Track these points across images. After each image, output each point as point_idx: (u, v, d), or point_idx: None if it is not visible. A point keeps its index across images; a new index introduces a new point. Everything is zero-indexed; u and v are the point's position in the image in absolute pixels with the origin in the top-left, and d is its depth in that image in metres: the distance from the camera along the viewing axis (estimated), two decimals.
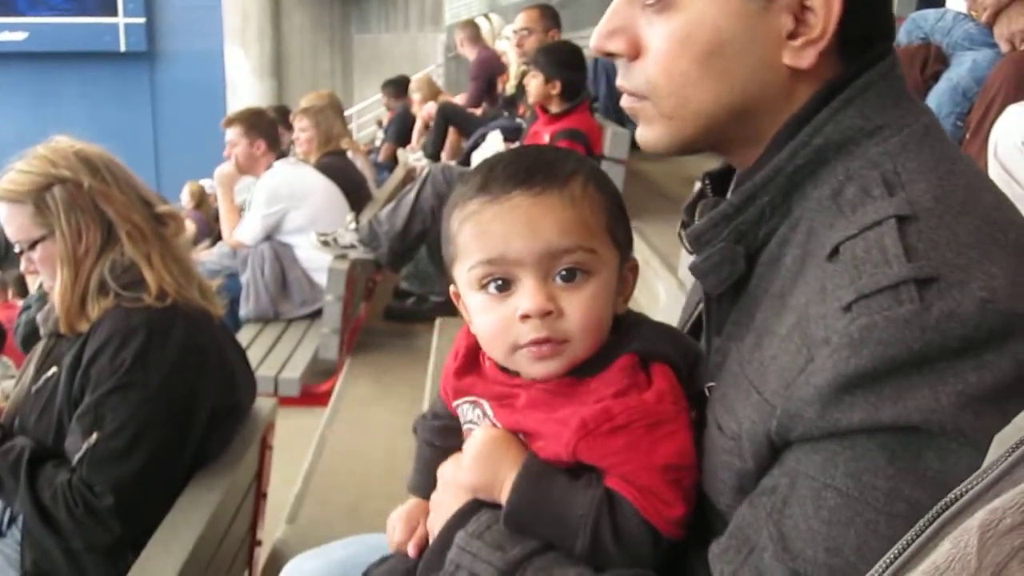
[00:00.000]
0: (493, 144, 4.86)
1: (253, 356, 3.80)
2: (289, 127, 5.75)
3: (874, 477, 0.71)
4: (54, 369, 1.84)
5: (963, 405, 0.69)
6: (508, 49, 6.61)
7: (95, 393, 1.74)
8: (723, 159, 0.98)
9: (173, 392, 1.78)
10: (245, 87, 14.76)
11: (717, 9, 0.84)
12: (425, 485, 1.09)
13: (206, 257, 4.75)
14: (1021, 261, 0.73)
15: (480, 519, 0.96)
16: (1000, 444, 0.61)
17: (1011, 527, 0.51)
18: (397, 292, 5.06)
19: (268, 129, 4.63)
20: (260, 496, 2.21)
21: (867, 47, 0.86)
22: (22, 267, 1.95)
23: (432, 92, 7.58)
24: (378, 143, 9.01)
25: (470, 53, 7.00)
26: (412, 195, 4.22)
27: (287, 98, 12.73)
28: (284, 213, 4.46)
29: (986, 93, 3.06)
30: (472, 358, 1.04)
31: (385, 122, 9.16)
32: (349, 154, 5.42)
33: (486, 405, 1.00)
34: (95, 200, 1.81)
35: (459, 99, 7.22)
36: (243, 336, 4.21)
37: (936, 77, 3.44)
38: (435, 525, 1.02)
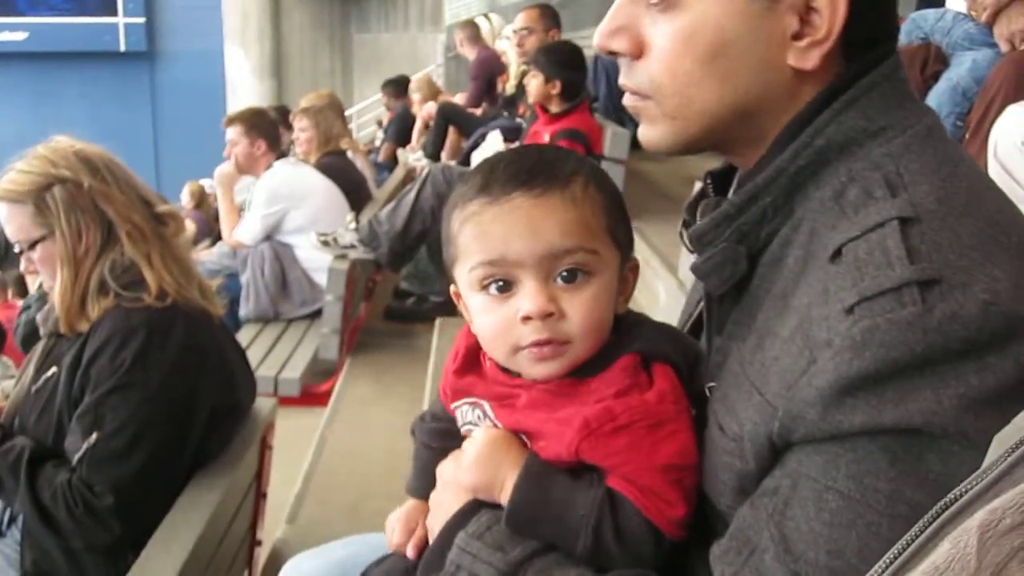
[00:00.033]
0: (493, 144, 4.86)
1: (253, 356, 3.80)
2: (289, 127, 5.75)
3: (876, 479, 0.71)
4: (54, 369, 1.84)
5: (965, 407, 0.69)
6: (508, 49, 6.61)
7: (95, 393, 1.74)
8: (725, 159, 0.98)
9: (173, 392, 1.78)
10: (245, 87, 14.77)
11: (721, 9, 0.83)
12: (423, 487, 1.09)
13: (206, 257, 4.75)
14: (1023, 263, 0.73)
15: (480, 520, 0.95)
16: (1000, 444, 0.61)
17: (1011, 527, 0.51)
18: (397, 292, 5.06)
19: (269, 129, 4.63)
20: (260, 496, 2.21)
21: (871, 48, 0.86)
22: (22, 267, 1.95)
23: (432, 92, 7.58)
24: (378, 143, 9.01)
25: (470, 53, 7.00)
26: (412, 195, 4.22)
27: (287, 98, 12.73)
28: (284, 213, 4.46)
29: (986, 93, 3.06)
30: (472, 358, 1.04)
31: (385, 122, 9.17)
32: (349, 154, 5.42)
33: (486, 406, 0.99)
34: (95, 200, 1.81)
35: (459, 99, 7.22)
36: (243, 336, 4.21)
37: (936, 77, 3.44)
38: (435, 525, 1.01)
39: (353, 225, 4.31)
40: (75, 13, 16.24)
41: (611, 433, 0.89)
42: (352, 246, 4.23)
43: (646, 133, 0.92)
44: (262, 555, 2.34)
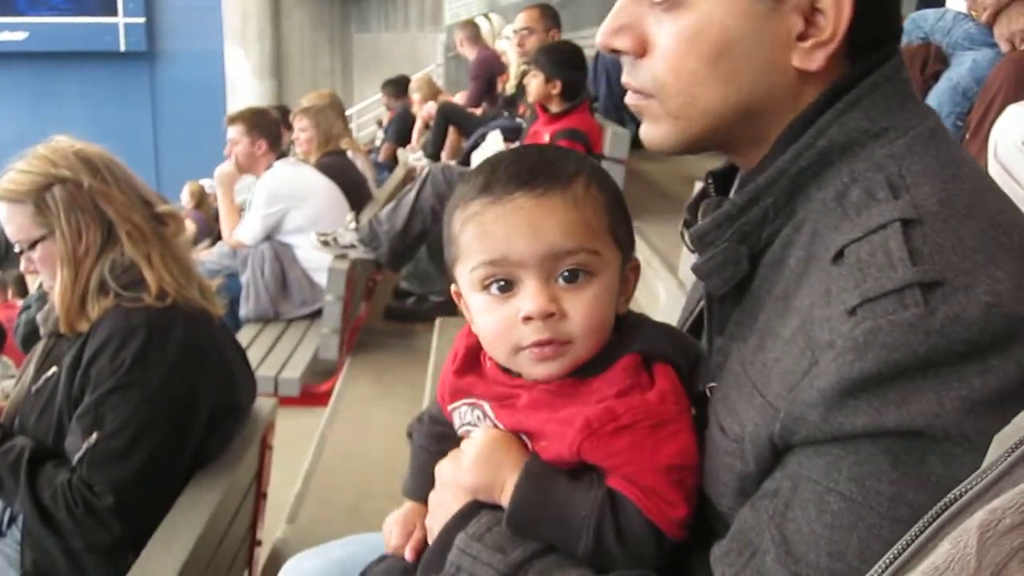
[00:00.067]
0: (493, 144, 4.86)
1: (253, 356, 3.80)
2: (289, 127, 5.75)
3: (877, 482, 0.71)
4: (54, 369, 1.84)
5: (967, 410, 0.69)
6: (508, 49, 6.61)
7: (95, 393, 1.74)
8: (727, 158, 0.98)
9: (173, 392, 1.78)
10: (245, 87, 14.77)
11: (726, 9, 0.83)
12: (420, 489, 1.09)
13: (206, 257, 4.75)
14: None
15: (480, 521, 0.95)
16: (1000, 444, 0.61)
17: (1010, 527, 0.51)
18: (397, 292, 5.05)
19: (270, 129, 4.62)
20: (260, 496, 2.21)
21: (875, 49, 0.85)
22: (22, 267, 1.95)
23: (432, 92, 7.58)
24: (378, 143, 9.01)
25: (470, 53, 7.00)
26: (412, 195, 4.22)
27: (287, 98, 12.74)
28: (284, 213, 4.46)
29: (986, 93, 3.06)
30: (472, 358, 1.04)
31: (385, 122, 9.17)
32: (349, 154, 5.42)
33: (486, 406, 0.99)
34: (95, 200, 1.81)
35: (459, 99, 7.22)
36: (243, 336, 4.21)
37: (936, 77, 3.44)
38: (434, 525, 1.01)
39: (353, 225, 4.31)
40: (75, 13, 16.25)
41: (613, 433, 0.89)
42: (352, 246, 4.23)
43: (648, 132, 0.92)
44: (262, 555, 2.34)
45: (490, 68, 6.80)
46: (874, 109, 0.83)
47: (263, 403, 2.14)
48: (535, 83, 4.12)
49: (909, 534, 0.59)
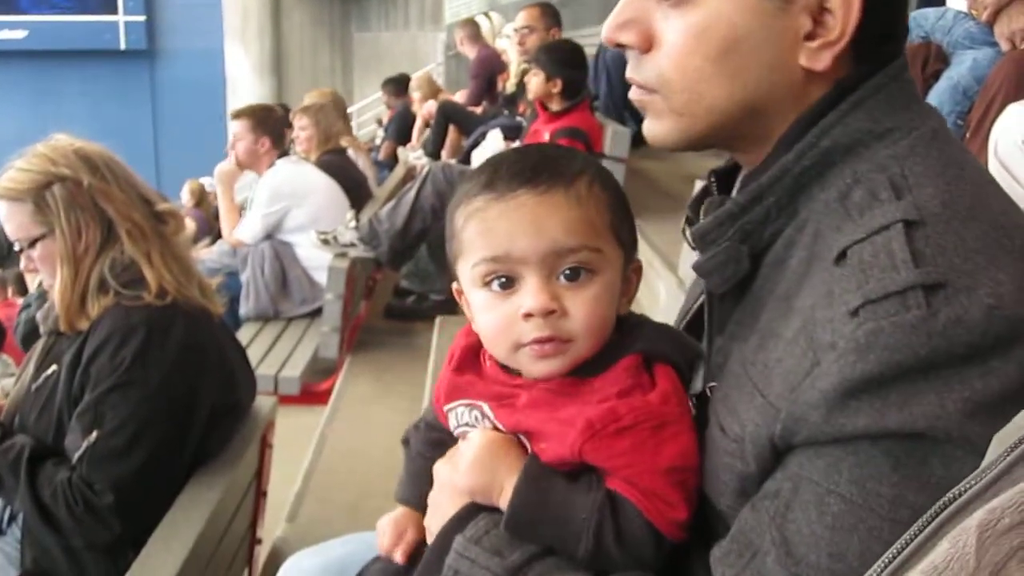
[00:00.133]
0: (493, 142, 4.86)
1: (253, 354, 3.79)
2: (289, 125, 5.75)
3: (878, 484, 0.71)
4: (54, 367, 1.84)
5: (969, 412, 0.69)
6: (508, 47, 6.61)
7: (95, 391, 1.74)
8: (729, 157, 0.98)
9: (173, 390, 1.78)
10: (245, 85, 14.77)
11: (735, 6, 0.83)
12: (415, 495, 1.08)
13: (206, 255, 4.74)
14: None
15: (478, 524, 0.95)
16: (999, 443, 0.61)
17: (1009, 527, 0.51)
18: (397, 290, 5.05)
19: (275, 127, 4.62)
20: (260, 494, 2.21)
21: (880, 49, 0.85)
22: (22, 265, 1.95)
23: (432, 90, 7.58)
24: (378, 141, 9.01)
25: (470, 51, 7.00)
26: (412, 193, 4.21)
27: (287, 96, 12.73)
28: (285, 212, 4.45)
29: (986, 92, 3.06)
30: (471, 358, 1.03)
31: (385, 120, 9.17)
32: (351, 152, 5.42)
33: (485, 407, 0.99)
34: (95, 198, 1.81)
35: (459, 97, 7.22)
36: (243, 335, 4.21)
37: (936, 76, 3.44)
38: (432, 526, 1.01)
39: (353, 223, 4.31)
40: (75, 11, 16.26)
41: (615, 434, 0.89)
42: (352, 244, 4.23)
43: (652, 128, 0.91)
44: (262, 553, 2.34)
45: (490, 67, 6.80)
46: (878, 110, 0.83)
47: (263, 401, 2.14)
48: (535, 81, 4.12)
49: (908, 533, 0.59)
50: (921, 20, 3.52)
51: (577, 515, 0.90)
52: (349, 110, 7.78)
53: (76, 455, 1.74)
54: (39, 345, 1.95)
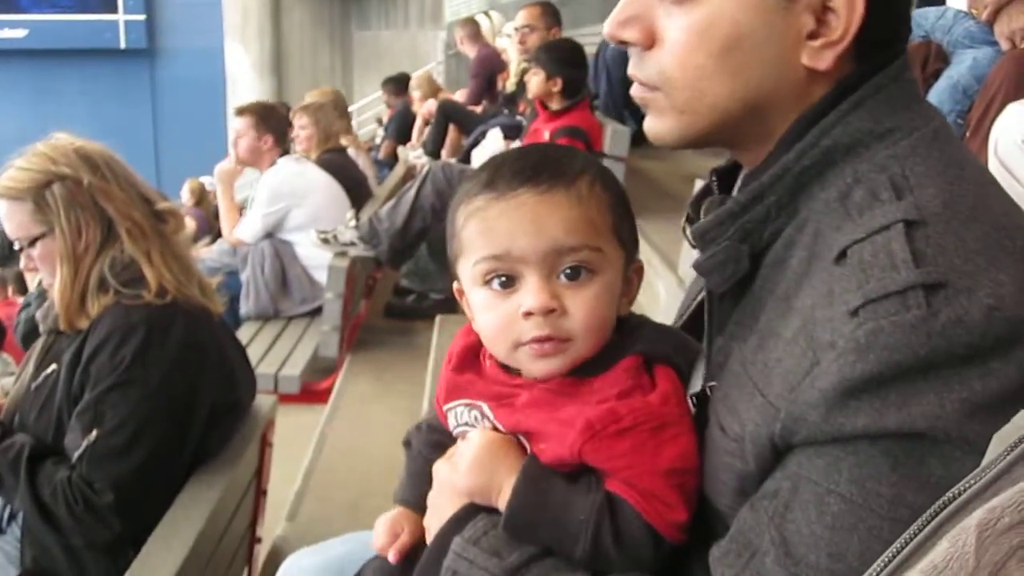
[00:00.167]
0: (493, 142, 4.85)
1: (253, 353, 3.79)
2: (290, 124, 5.75)
3: (877, 483, 0.71)
4: (54, 366, 1.84)
5: (968, 412, 0.69)
6: (508, 46, 6.61)
7: (95, 390, 1.74)
8: (730, 155, 0.98)
9: (173, 389, 1.78)
10: (245, 84, 14.75)
11: (737, 4, 0.82)
12: (414, 496, 1.08)
13: (206, 254, 4.74)
14: None
15: (477, 525, 0.95)
16: (999, 442, 0.61)
17: (1009, 526, 0.51)
18: (397, 289, 5.05)
19: (278, 124, 4.61)
20: (260, 493, 2.21)
21: (882, 49, 0.85)
22: (22, 264, 1.95)
23: (432, 89, 7.58)
24: (378, 141, 9.01)
25: (470, 50, 7.00)
26: (412, 192, 4.21)
27: (287, 95, 12.73)
28: (286, 211, 4.45)
29: (986, 91, 3.06)
30: (471, 357, 1.03)
31: (385, 119, 9.16)
32: (351, 151, 5.41)
33: (485, 407, 0.99)
34: (95, 197, 1.81)
35: (459, 96, 7.22)
36: (243, 334, 4.21)
37: (936, 75, 3.44)
38: (431, 526, 1.01)
39: (353, 222, 4.31)
40: (76, 10, 16.25)
41: (615, 435, 0.89)
42: (352, 243, 4.23)
43: (653, 125, 0.91)
44: (262, 552, 2.34)
45: (490, 66, 6.79)
46: (879, 110, 0.83)
47: (263, 400, 2.14)
48: (536, 80, 4.12)
49: (908, 532, 0.59)
50: (921, 19, 3.52)
51: (576, 516, 0.90)
52: (349, 109, 7.78)
53: (76, 454, 1.74)
54: (39, 344, 1.95)
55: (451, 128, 6.23)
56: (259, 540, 2.28)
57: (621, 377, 0.93)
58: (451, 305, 4.27)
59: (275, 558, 2.36)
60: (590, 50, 5.28)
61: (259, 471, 2.16)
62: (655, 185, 5.07)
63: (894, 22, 0.87)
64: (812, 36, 0.83)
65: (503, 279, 0.94)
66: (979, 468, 0.59)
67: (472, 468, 0.95)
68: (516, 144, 4.47)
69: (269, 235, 4.48)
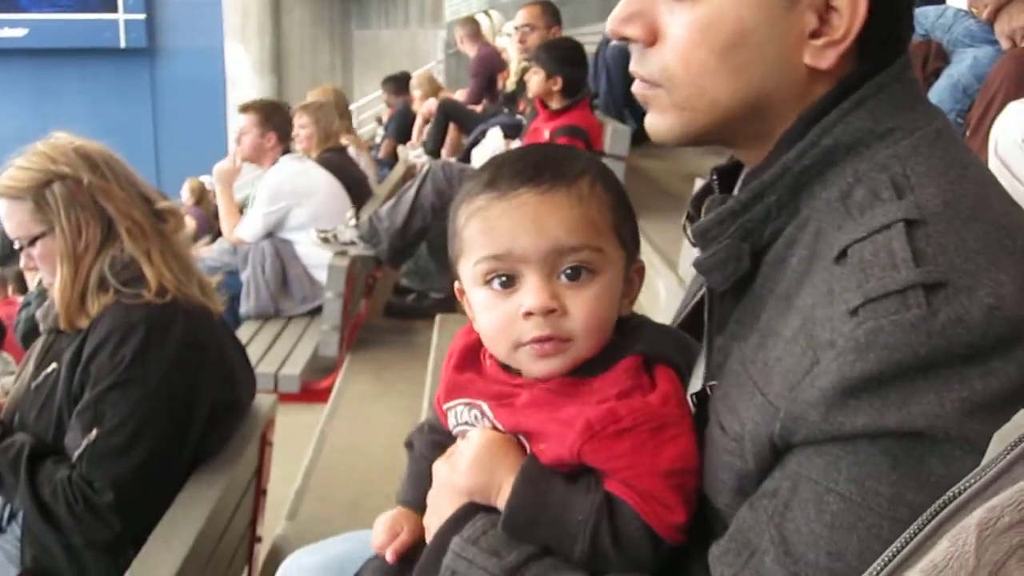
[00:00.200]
0: (493, 141, 4.85)
1: (253, 353, 3.80)
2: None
3: (877, 482, 0.71)
4: (54, 365, 1.84)
5: (968, 412, 0.69)
6: (508, 45, 6.60)
7: (95, 389, 1.74)
8: (730, 154, 0.98)
9: (173, 388, 1.78)
10: (245, 83, 14.74)
11: (740, 2, 0.82)
12: (415, 497, 1.08)
13: (206, 254, 4.74)
14: None
15: (476, 524, 0.95)
16: (999, 441, 0.61)
17: (1009, 525, 0.51)
18: (397, 289, 5.05)
19: (282, 122, 4.61)
20: (260, 492, 2.21)
21: (884, 48, 0.85)
22: (22, 263, 1.95)
23: (433, 89, 7.58)
24: (378, 140, 9.01)
25: (470, 50, 7.00)
26: (412, 192, 4.21)
27: (287, 94, 12.72)
28: (287, 211, 4.44)
29: (987, 90, 3.06)
30: (471, 356, 1.03)
31: (385, 119, 9.16)
32: (352, 151, 5.41)
33: (484, 406, 0.99)
34: (95, 196, 1.81)
35: (459, 95, 7.21)
36: (243, 333, 4.21)
37: (937, 74, 3.44)
38: (431, 525, 1.01)
39: (353, 222, 4.30)
40: (76, 9, 16.24)
41: (614, 436, 0.89)
42: (352, 242, 4.23)
43: (654, 123, 0.91)
44: (262, 551, 2.34)
45: (490, 65, 6.79)
46: (880, 109, 0.83)
47: (263, 400, 2.14)
48: (536, 79, 4.12)
49: (908, 532, 0.59)
50: (921, 18, 3.52)
51: (575, 517, 0.89)
52: (349, 108, 7.77)
53: (76, 453, 1.74)
54: (39, 343, 1.95)
55: (451, 127, 6.22)
56: (259, 539, 2.28)
57: (621, 377, 0.93)
58: (451, 304, 4.27)
59: (275, 557, 2.36)
60: (590, 49, 5.28)
61: (259, 470, 2.16)
62: (655, 184, 5.07)
63: (896, 22, 0.86)
64: (814, 35, 0.83)
65: (504, 279, 0.94)
66: (979, 467, 0.59)
67: (472, 467, 0.95)
68: (516, 143, 4.47)
69: (270, 234, 4.48)
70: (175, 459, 1.81)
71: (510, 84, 6.10)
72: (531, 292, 0.92)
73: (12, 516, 1.89)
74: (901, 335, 0.70)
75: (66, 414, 1.79)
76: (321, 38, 15.85)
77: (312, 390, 4.07)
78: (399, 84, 8.58)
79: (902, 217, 0.75)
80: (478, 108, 6.52)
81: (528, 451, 0.95)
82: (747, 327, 0.86)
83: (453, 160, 5.07)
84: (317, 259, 4.35)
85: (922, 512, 0.60)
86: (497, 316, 0.95)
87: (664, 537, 0.88)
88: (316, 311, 4.37)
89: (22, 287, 5.59)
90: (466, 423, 1.01)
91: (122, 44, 16.44)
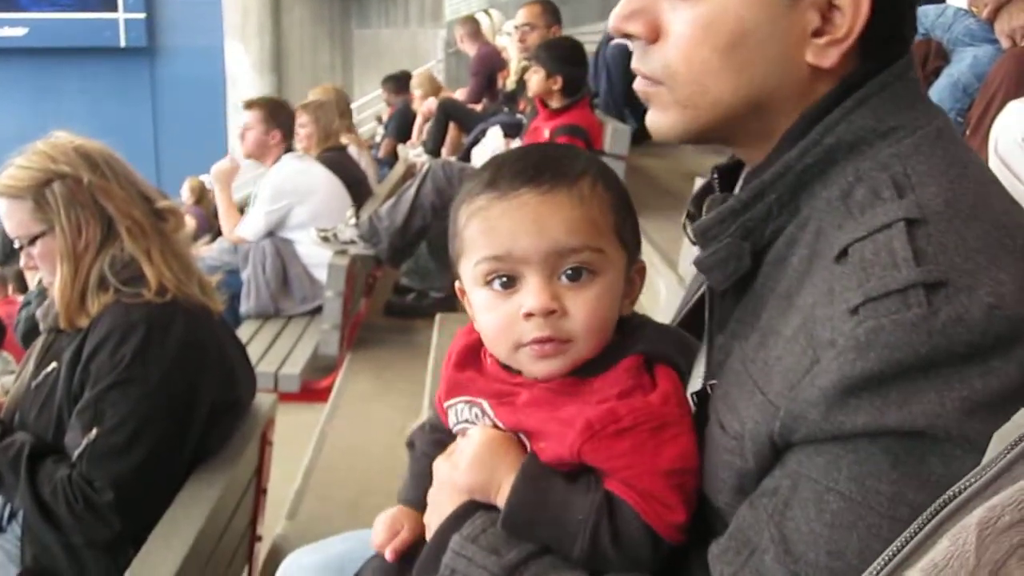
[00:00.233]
0: (493, 140, 4.85)
1: (253, 352, 3.80)
2: None
3: (877, 481, 0.71)
4: (54, 365, 1.84)
5: (968, 411, 0.69)
6: (508, 45, 6.60)
7: (95, 388, 1.74)
8: (731, 152, 0.98)
9: (173, 388, 1.78)
10: (245, 82, 14.73)
11: (743, 0, 0.83)
12: (416, 497, 1.08)
13: (206, 253, 4.74)
14: None
15: (475, 522, 0.95)
16: (999, 440, 0.61)
17: (1009, 524, 0.51)
18: (397, 288, 5.05)
19: (287, 120, 4.61)
20: (260, 492, 2.21)
21: (887, 47, 0.85)
22: (22, 263, 1.95)
23: (434, 88, 7.58)
24: (378, 139, 9.01)
25: (470, 49, 7.00)
26: (412, 191, 4.21)
27: (287, 93, 12.71)
28: (289, 209, 4.44)
29: (987, 89, 3.06)
30: (472, 355, 1.03)
31: (385, 118, 9.16)
32: (353, 150, 5.40)
33: (485, 404, 0.99)
34: (95, 196, 1.81)
35: (459, 95, 7.21)
36: (243, 332, 4.21)
37: (937, 73, 3.44)
38: (431, 523, 1.01)
39: (353, 221, 4.31)
40: (75, 9, 16.23)
41: (614, 435, 0.89)
42: (352, 242, 4.23)
43: (655, 120, 0.91)
44: (262, 551, 2.34)
45: (490, 64, 6.79)
46: (882, 108, 0.83)
47: (263, 399, 2.14)
48: (536, 79, 4.12)
49: (908, 531, 0.59)
50: (921, 17, 3.52)
51: (574, 516, 0.89)
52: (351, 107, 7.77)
53: (76, 452, 1.74)
54: (39, 342, 1.95)
55: (451, 126, 6.22)
56: (259, 538, 2.28)
57: (622, 377, 0.93)
58: (451, 303, 4.27)
59: (275, 556, 2.36)
60: (590, 48, 5.28)
61: (259, 469, 2.16)
62: (655, 183, 5.07)
63: (899, 21, 0.86)
64: (817, 33, 0.83)
65: (504, 279, 0.94)
66: (979, 466, 0.59)
67: (472, 465, 0.95)
68: (516, 142, 4.47)
69: (270, 233, 4.48)
70: (175, 458, 1.81)
71: (510, 83, 6.09)
72: (531, 293, 0.92)
73: (12, 515, 1.89)
74: (902, 334, 0.70)
75: (66, 413, 1.79)
76: (321, 37, 15.84)
77: (312, 389, 4.07)
78: (399, 83, 8.58)
79: (903, 216, 0.75)
80: (478, 107, 6.52)
81: (528, 449, 0.95)
82: (748, 326, 0.86)
83: (453, 159, 5.07)
84: (317, 258, 4.35)
85: (922, 511, 0.60)
86: (497, 317, 0.95)
87: (664, 536, 0.88)
88: (316, 310, 4.37)
89: (22, 286, 5.59)
90: (467, 421, 1.01)
91: (122, 43, 16.43)
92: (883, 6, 0.82)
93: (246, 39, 14.91)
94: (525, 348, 0.94)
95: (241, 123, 4.58)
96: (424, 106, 7.10)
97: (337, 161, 4.94)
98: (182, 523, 1.69)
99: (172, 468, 1.81)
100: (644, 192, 4.56)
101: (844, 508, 0.72)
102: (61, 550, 1.80)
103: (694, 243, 0.92)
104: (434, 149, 6.16)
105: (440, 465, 1.03)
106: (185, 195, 9.55)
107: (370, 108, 12.49)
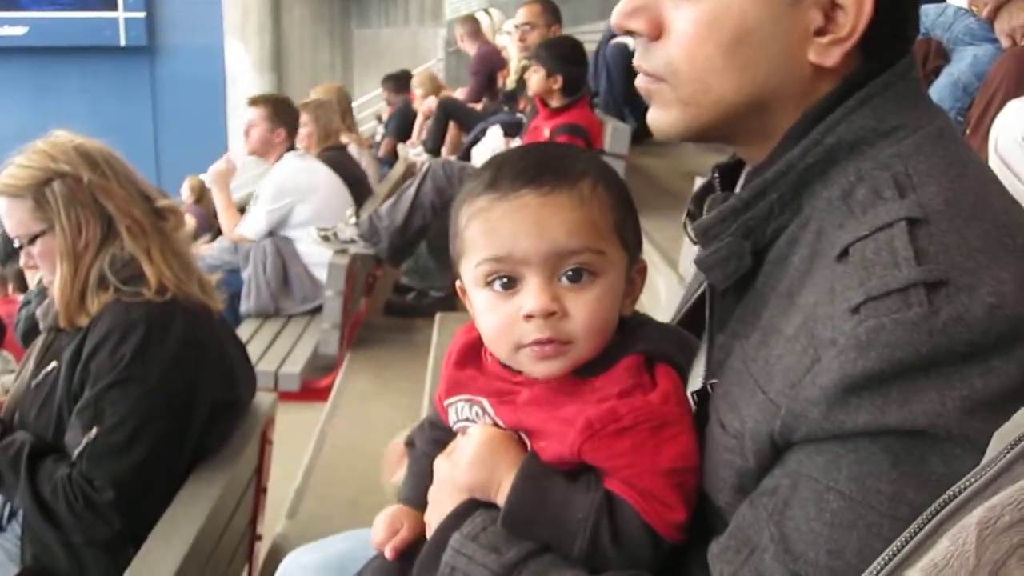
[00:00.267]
0: (493, 139, 4.85)
1: (253, 351, 3.80)
2: None
3: (877, 481, 0.71)
4: (54, 364, 1.84)
5: (969, 410, 0.69)
6: (508, 44, 6.61)
7: (95, 387, 1.74)
8: (732, 151, 0.98)
9: (173, 387, 1.78)
10: (245, 81, 14.72)
11: None
12: (416, 496, 1.08)
13: (206, 252, 4.74)
14: None
15: (475, 521, 0.95)
16: (999, 440, 0.61)
17: (1009, 524, 0.51)
18: (397, 287, 5.05)
19: (291, 119, 4.61)
20: (260, 491, 2.21)
21: (889, 46, 0.85)
22: (22, 262, 1.95)
23: (434, 87, 7.58)
24: (378, 138, 9.01)
25: (470, 48, 7.00)
26: (412, 190, 4.21)
27: (287, 92, 12.63)
28: (290, 207, 4.44)
29: (987, 88, 3.06)
30: (472, 353, 1.03)
31: (385, 117, 9.16)
32: (354, 149, 5.40)
33: (485, 403, 0.99)
34: (95, 195, 1.81)
35: (459, 94, 7.21)
36: (243, 331, 4.21)
37: (936, 72, 3.44)
38: (431, 521, 1.01)
39: (353, 220, 4.31)
40: (75, 7, 16.22)
41: (615, 435, 0.89)
42: (352, 241, 4.23)
43: (657, 118, 0.91)
44: (262, 550, 2.34)
45: (490, 63, 6.79)
46: (884, 108, 0.83)
47: (263, 398, 2.14)
48: (536, 78, 4.12)
49: (908, 531, 0.59)
50: (921, 16, 3.51)
51: (574, 515, 0.89)
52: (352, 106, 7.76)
53: (76, 451, 1.74)
54: (39, 341, 1.95)
55: (451, 125, 6.22)
56: (259, 538, 2.28)
57: (622, 376, 0.93)
58: (451, 303, 4.27)
59: (275, 556, 2.36)
60: (590, 47, 5.28)
61: (259, 469, 2.16)
62: (655, 182, 5.07)
63: (902, 20, 0.86)
64: (820, 32, 0.83)
65: (505, 280, 0.94)
66: (979, 466, 0.59)
67: (472, 464, 0.95)
68: (516, 141, 4.47)
69: (271, 232, 4.48)
70: (175, 457, 1.81)
71: (510, 82, 6.09)
72: (532, 294, 0.92)
73: (12, 514, 1.89)
74: (903, 333, 0.70)
75: (66, 412, 1.79)
76: (321, 36, 15.83)
77: (312, 388, 4.08)
78: (399, 82, 8.58)
79: (904, 216, 0.75)
80: (478, 106, 6.52)
81: (529, 448, 0.95)
82: (749, 325, 0.86)
83: (453, 158, 5.07)
84: (318, 258, 4.35)
85: (922, 511, 0.60)
86: (498, 318, 0.95)
87: (664, 535, 0.88)
88: (316, 310, 4.38)
89: (22, 286, 5.58)
90: (467, 419, 1.01)
91: (122, 42, 16.42)
92: (886, 6, 0.82)
93: (246, 38, 14.90)
94: (525, 349, 0.94)
95: (245, 120, 4.57)
96: (424, 105, 7.10)
97: (337, 160, 4.94)
98: (182, 522, 1.69)
99: (172, 467, 1.81)
100: (644, 191, 4.56)
101: (844, 507, 0.72)
102: (61, 549, 1.80)
103: (695, 242, 0.92)
104: (434, 148, 6.16)
105: (440, 463, 1.03)
106: (185, 194, 9.54)
107: (370, 107, 12.48)
